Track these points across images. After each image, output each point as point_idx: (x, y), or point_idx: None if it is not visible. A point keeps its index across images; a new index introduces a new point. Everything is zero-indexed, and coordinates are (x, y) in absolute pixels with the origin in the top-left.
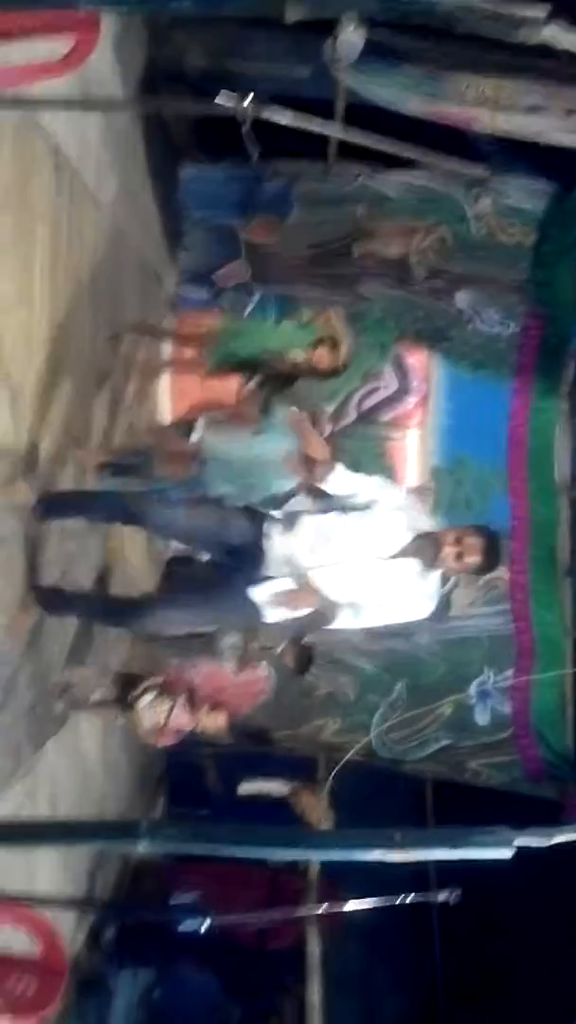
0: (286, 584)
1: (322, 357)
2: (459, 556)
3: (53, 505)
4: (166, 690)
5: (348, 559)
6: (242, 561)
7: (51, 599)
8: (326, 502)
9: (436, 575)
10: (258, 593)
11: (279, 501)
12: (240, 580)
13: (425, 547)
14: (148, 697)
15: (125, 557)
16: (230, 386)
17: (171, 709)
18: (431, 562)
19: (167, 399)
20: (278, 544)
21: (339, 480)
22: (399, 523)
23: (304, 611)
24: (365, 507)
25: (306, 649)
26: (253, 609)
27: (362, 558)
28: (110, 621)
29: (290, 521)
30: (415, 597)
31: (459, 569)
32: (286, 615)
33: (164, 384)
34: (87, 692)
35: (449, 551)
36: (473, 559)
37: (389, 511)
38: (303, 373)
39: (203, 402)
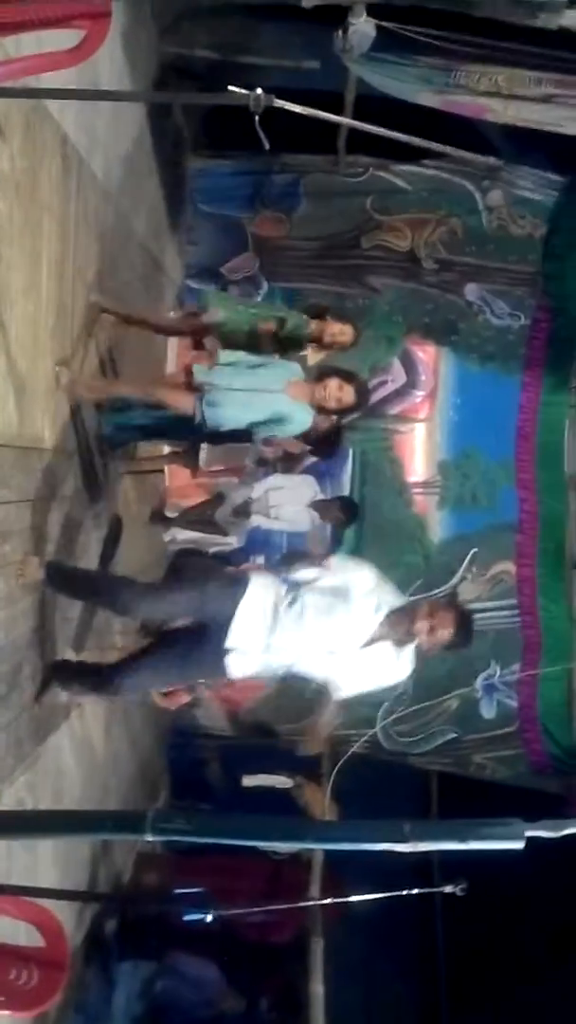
0: (256, 643)
1: (334, 332)
2: (432, 630)
3: (61, 580)
4: None
5: (328, 644)
6: (217, 625)
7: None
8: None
9: (411, 647)
10: (230, 651)
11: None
12: (214, 638)
13: (399, 621)
14: None
15: None
16: None
17: None
18: (405, 635)
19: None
20: (260, 615)
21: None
22: (371, 608)
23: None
24: (343, 595)
25: None
26: (222, 667)
27: (339, 646)
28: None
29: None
30: (391, 669)
31: (432, 642)
32: (250, 672)
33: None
34: None
35: (422, 625)
36: (445, 632)
37: (363, 597)
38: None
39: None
